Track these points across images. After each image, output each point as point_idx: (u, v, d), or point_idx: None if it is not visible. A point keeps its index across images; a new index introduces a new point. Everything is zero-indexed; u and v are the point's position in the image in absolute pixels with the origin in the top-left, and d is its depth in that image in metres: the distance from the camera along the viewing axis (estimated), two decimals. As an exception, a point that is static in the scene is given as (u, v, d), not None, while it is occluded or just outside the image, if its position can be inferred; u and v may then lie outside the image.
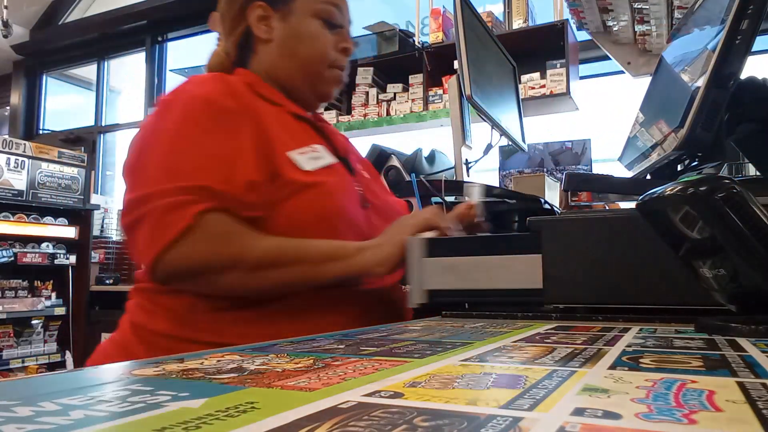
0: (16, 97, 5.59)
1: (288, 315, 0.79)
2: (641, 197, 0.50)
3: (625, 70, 2.79)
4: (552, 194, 1.84)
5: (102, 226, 4.42)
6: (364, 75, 3.61)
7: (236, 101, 0.82)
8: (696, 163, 0.83)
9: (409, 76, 3.47)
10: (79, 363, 3.77)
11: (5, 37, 4.22)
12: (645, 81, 1.24)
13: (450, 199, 1.14)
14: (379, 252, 0.78)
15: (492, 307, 0.71)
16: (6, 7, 4.17)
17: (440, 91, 3.37)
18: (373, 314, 0.82)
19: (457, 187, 1.18)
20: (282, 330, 0.74)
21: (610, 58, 2.84)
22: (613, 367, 0.32)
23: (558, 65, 3.01)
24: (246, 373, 0.31)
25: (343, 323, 0.77)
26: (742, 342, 0.42)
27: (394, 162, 1.41)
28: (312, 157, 0.84)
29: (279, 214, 0.79)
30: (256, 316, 0.78)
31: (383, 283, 0.84)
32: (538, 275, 0.66)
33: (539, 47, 3.12)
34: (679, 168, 0.88)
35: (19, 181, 3.55)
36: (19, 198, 3.54)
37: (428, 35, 3.50)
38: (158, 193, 0.74)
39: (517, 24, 3.26)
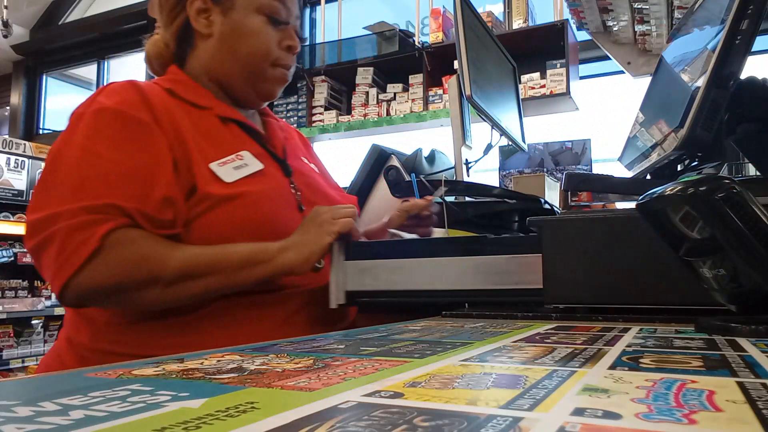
0: (16, 97, 5.59)
1: (212, 323, 0.76)
2: (641, 197, 0.50)
3: (625, 70, 2.79)
4: (552, 194, 1.84)
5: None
6: (364, 75, 3.62)
7: (150, 113, 0.77)
8: (696, 163, 0.83)
9: (409, 76, 3.47)
10: (79, 363, 3.77)
11: (5, 37, 4.22)
12: (645, 81, 1.24)
13: (450, 199, 1.14)
14: (303, 251, 0.75)
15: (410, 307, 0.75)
16: (6, 7, 4.17)
17: (440, 91, 3.37)
18: (300, 318, 0.81)
19: (457, 186, 1.18)
20: (205, 338, 0.74)
21: (610, 58, 2.84)
22: (613, 367, 0.32)
23: (558, 65, 3.01)
24: (246, 373, 0.31)
25: (269, 329, 0.76)
26: (742, 342, 0.42)
27: (394, 162, 1.41)
28: (235, 167, 0.80)
29: (195, 231, 0.76)
30: (178, 326, 0.76)
31: (309, 285, 0.82)
32: (449, 277, 0.70)
33: (539, 47, 3.12)
34: (679, 168, 0.88)
35: (19, 181, 3.55)
36: (19, 198, 3.54)
37: (428, 35, 3.50)
38: (63, 213, 0.69)
39: (517, 24, 3.26)
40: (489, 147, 1.32)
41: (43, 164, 3.64)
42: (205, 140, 0.80)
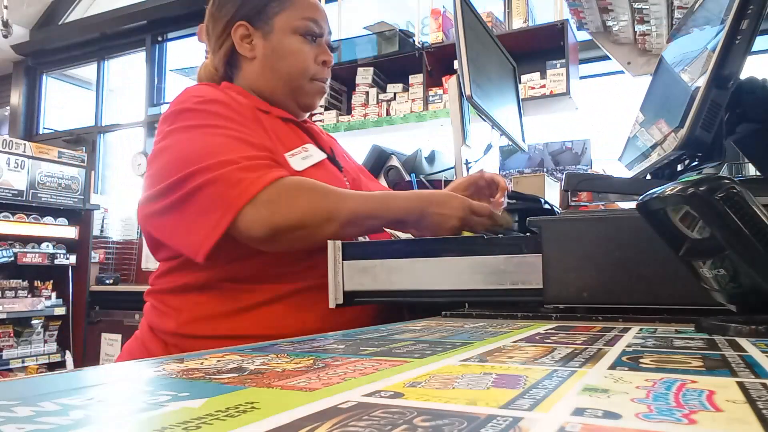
0: (16, 97, 5.59)
1: (286, 309, 0.84)
2: (641, 197, 0.50)
3: (625, 70, 2.79)
4: (552, 194, 1.84)
5: (102, 226, 4.42)
6: (364, 75, 3.62)
7: (240, 104, 0.88)
8: (696, 163, 0.83)
9: (409, 76, 3.47)
10: (79, 363, 3.77)
11: (5, 37, 4.21)
12: (645, 81, 1.24)
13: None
14: (437, 220, 0.83)
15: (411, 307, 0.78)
16: (6, 7, 4.17)
17: (440, 91, 3.37)
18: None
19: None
20: (276, 323, 0.83)
21: (610, 58, 2.84)
22: (613, 367, 0.32)
23: (558, 65, 3.01)
24: (246, 373, 0.31)
25: (329, 316, 0.82)
26: (742, 342, 0.42)
27: (394, 162, 1.41)
28: (303, 157, 0.90)
29: None
30: (256, 313, 0.83)
31: None
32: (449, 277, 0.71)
33: (539, 47, 3.12)
34: (679, 168, 0.88)
35: (19, 181, 3.55)
36: (19, 198, 3.54)
37: (428, 35, 3.50)
38: (221, 163, 0.77)
39: (517, 24, 3.26)
40: (489, 147, 1.32)
41: (42, 164, 3.66)
42: (275, 135, 0.90)
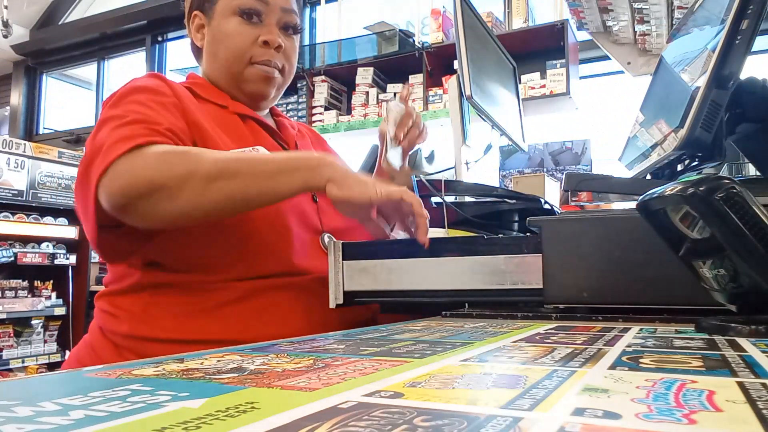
0: (16, 97, 5.59)
1: (247, 311, 0.78)
2: (641, 197, 0.50)
3: (625, 70, 2.79)
4: (552, 194, 1.84)
5: (102, 226, 4.41)
6: (364, 75, 3.61)
7: (176, 96, 0.81)
8: (696, 163, 0.83)
9: (409, 76, 3.47)
10: (79, 363, 3.76)
11: (5, 37, 4.21)
12: (645, 81, 1.24)
13: (450, 199, 1.14)
14: (345, 184, 0.71)
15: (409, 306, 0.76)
16: (6, 7, 4.17)
17: (440, 91, 3.37)
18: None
19: (457, 186, 1.18)
20: (236, 326, 0.77)
21: (610, 58, 2.84)
22: (613, 367, 0.32)
23: (558, 65, 3.00)
24: (246, 373, 0.31)
25: (305, 319, 0.79)
26: (742, 342, 0.42)
27: (394, 162, 1.41)
28: None
29: None
30: (218, 313, 0.78)
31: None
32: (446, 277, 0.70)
33: (539, 47, 3.12)
34: (679, 168, 0.88)
35: (19, 181, 3.55)
36: (19, 198, 3.54)
37: (428, 35, 3.49)
38: (113, 138, 0.70)
39: (517, 24, 3.26)
40: (489, 147, 1.32)
41: (42, 164, 3.65)
42: (224, 132, 0.83)
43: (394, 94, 3.53)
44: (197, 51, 0.96)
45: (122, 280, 0.83)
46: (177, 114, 0.79)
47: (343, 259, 0.77)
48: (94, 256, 4.02)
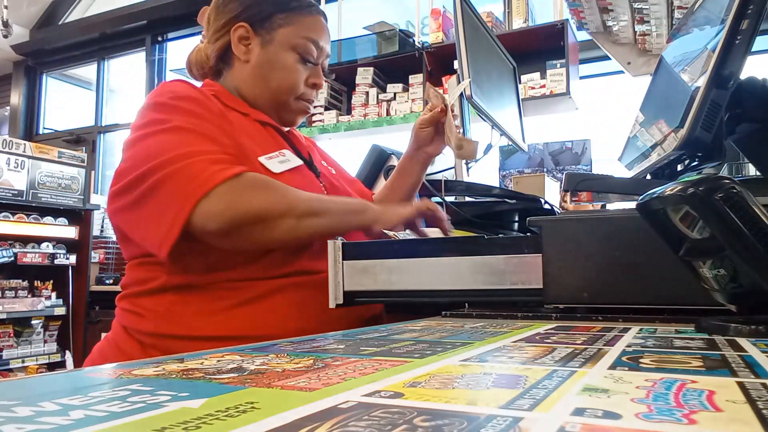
0: (16, 97, 5.59)
1: (267, 309, 0.83)
2: (641, 197, 0.50)
3: (625, 70, 2.79)
4: (552, 194, 1.84)
5: (102, 226, 4.41)
6: (364, 75, 3.61)
7: (210, 104, 0.88)
8: (696, 163, 0.83)
9: (409, 76, 3.47)
10: (79, 363, 3.77)
11: (5, 37, 4.21)
12: (645, 81, 1.24)
13: (450, 199, 1.14)
14: (389, 212, 0.88)
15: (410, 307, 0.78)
16: (6, 7, 4.17)
17: (440, 91, 3.36)
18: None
19: (457, 186, 1.18)
20: (259, 323, 0.82)
21: (610, 58, 2.84)
22: (613, 367, 0.32)
23: (558, 65, 3.00)
24: (246, 373, 0.31)
25: (322, 315, 0.82)
26: (742, 342, 0.42)
27: (394, 162, 1.41)
28: (280, 161, 0.90)
29: None
30: (241, 311, 0.82)
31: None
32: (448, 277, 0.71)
33: (539, 47, 3.12)
34: (679, 168, 0.88)
35: (19, 181, 3.55)
36: (19, 198, 3.54)
37: (428, 35, 3.49)
38: (193, 153, 0.76)
39: (517, 24, 3.26)
40: (489, 147, 1.32)
41: (42, 164, 3.65)
42: (250, 139, 0.89)
43: (395, 94, 3.53)
44: (226, 55, 0.98)
45: (146, 283, 0.86)
46: (226, 130, 0.85)
47: (343, 259, 0.77)
48: (94, 256, 4.03)
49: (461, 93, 1.09)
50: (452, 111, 1.03)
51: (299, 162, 0.93)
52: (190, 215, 0.74)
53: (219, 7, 0.98)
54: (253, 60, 0.95)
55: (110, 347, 0.87)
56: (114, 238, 4.37)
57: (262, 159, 0.87)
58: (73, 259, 3.82)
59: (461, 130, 1.07)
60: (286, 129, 1.03)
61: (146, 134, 0.81)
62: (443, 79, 3.35)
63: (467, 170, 1.30)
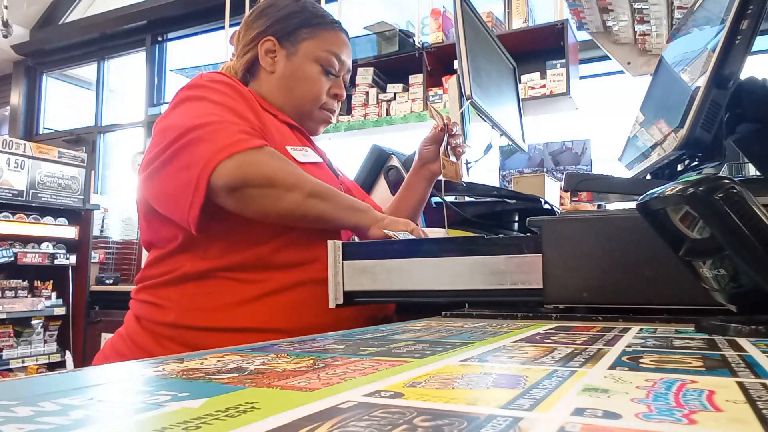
0: (16, 97, 5.59)
1: (289, 301, 0.85)
2: (641, 197, 0.50)
3: (625, 70, 2.79)
4: (552, 194, 1.84)
5: (102, 226, 4.41)
6: (364, 75, 3.61)
7: (245, 93, 0.92)
8: (696, 163, 0.83)
9: (409, 76, 3.47)
10: (79, 363, 3.77)
11: (5, 37, 4.21)
12: (645, 81, 1.24)
13: (450, 199, 1.14)
14: (383, 221, 0.88)
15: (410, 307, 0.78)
16: (6, 7, 4.17)
17: (440, 91, 3.37)
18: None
19: (457, 186, 1.18)
20: (280, 315, 0.84)
21: (610, 58, 2.84)
22: (613, 367, 0.32)
23: (558, 65, 3.00)
24: (246, 373, 0.31)
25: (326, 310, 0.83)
26: (742, 342, 0.42)
27: (394, 162, 1.41)
28: (303, 154, 0.94)
29: None
30: (260, 306, 0.84)
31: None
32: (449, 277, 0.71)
33: (539, 47, 3.12)
34: (679, 168, 0.88)
35: (19, 181, 3.55)
36: (19, 198, 3.54)
37: (428, 35, 3.49)
38: (223, 121, 0.81)
39: (517, 24, 3.26)
40: (489, 147, 1.32)
41: (42, 164, 3.65)
42: (279, 133, 0.93)
43: (395, 94, 3.53)
44: (253, 66, 1.03)
45: (168, 274, 0.87)
46: (255, 116, 0.90)
47: (343, 259, 0.77)
48: (94, 256, 4.03)
49: (465, 108, 1.10)
50: (451, 131, 1.07)
51: (319, 159, 0.98)
52: (211, 175, 0.77)
53: (248, 24, 1.04)
54: (279, 71, 1.00)
55: (123, 341, 0.89)
56: (114, 238, 4.39)
57: (288, 148, 0.91)
58: (73, 259, 3.82)
59: (460, 140, 1.09)
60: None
61: (180, 110, 0.86)
62: (443, 79, 3.35)
63: (467, 170, 1.30)
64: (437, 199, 1.16)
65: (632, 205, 0.63)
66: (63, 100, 5.78)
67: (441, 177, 1.07)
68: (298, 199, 0.81)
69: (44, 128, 5.63)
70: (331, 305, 0.76)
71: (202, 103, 0.86)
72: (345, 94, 1.07)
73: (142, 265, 0.95)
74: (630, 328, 0.52)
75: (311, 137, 1.07)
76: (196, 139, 0.79)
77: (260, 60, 1.01)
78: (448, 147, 1.08)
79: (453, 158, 0.95)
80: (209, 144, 0.78)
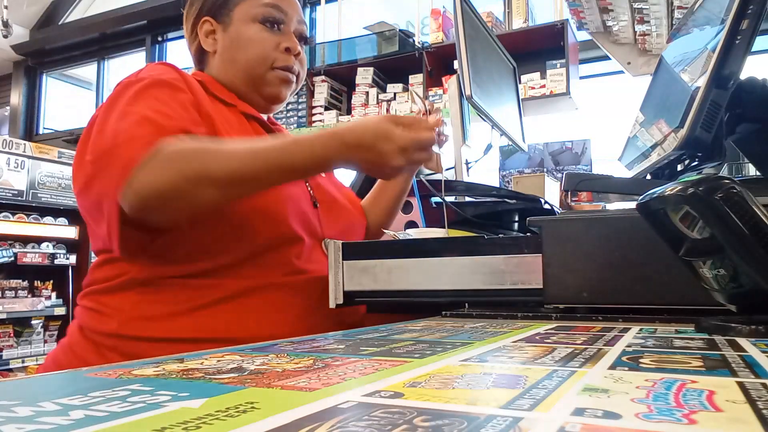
0: (16, 97, 5.58)
1: (240, 310, 0.78)
2: (641, 197, 0.50)
3: (625, 70, 2.79)
4: (552, 194, 1.84)
5: (102, 226, 4.41)
6: (364, 75, 3.61)
7: (191, 92, 0.83)
8: (696, 163, 0.83)
9: (409, 76, 3.47)
10: (79, 363, 3.77)
11: (5, 37, 4.21)
12: (645, 81, 1.24)
13: (450, 199, 1.14)
14: (380, 161, 0.74)
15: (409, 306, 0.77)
16: (6, 7, 4.17)
17: (440, 91, 3.37)
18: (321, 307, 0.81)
19: (457, 186, 1.18)
20: (234, 324, 0.77)
21: (610, 58, 2.84)
22: (613, 367, 0.32)
23: (558, 65, 3.00)
24: (246, 373, 0.31)
25: (290, 319, 0.80)
26: (742, 342, 0.42)
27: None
28: None
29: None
30: (210, 313, 0.78)
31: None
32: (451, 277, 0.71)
33: (539, 47, 3.12)
34: (679, 168, 0.88)
35: (19, 181, 3.55)
36: (19, 198, 3.54)
37: (428, 35, 3.49)
38: (132, 137, 0.71)
39: (517, 24, 3.26)
40: (489, 147, 1.32)
41: (42, 164, 3.65)
42: (233, 131, 0.85)
43: (395, 94, 3.53)
44: (202, 54, 0.97)
45: (112, 279, 0.81)
46: (193, 110, 0.81)
47: (343, 259, 0.77)
48: (94, 256, 4.02)
49: (460, 96, 1.05)
50: (431, 115, 0.93)
51: None
52: (119, 207, 0.70)
53: (187, 14, 0.98)
54: (220, 47, 0.94)
55: (64, 353, 0.82)
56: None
57: None
58: (73, 259, 3.82)
59: (443, 128, 0.99)
60: (271, 113, 1.00)
61: (106, 110, 0.78)
62: (443, 79, 3.35)
63: (467, 170, 1.30)
64: (437, 199, 1.16)
65: (632, 205, 0.62)
66: (63, 100, 5.78)
67: (425, 170, 1.02)
68: (216, 196, 0.71)
69: (44, 128, 5.63)
70: (332, 305, 0.76)
71: (123, 108, 0.76)
72: (297, 47, 0.95)
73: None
74: (630, 328, 0.52)
75: (277, 103, 0.98)
76: (104, 166, 0.72)
77: (202, 44, 0.95)
78: None
79: (435, 148, 0.86)
80: (114, 170, 0.70)
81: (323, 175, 1.03)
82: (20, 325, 3.62)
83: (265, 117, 0.99)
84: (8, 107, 5.64)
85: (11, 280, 3.58)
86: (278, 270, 0.81)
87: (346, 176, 1.38)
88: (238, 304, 0.78)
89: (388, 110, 3.50)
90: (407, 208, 1.18)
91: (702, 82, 0.71)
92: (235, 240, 0.80)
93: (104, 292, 0.81)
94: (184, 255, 0.80)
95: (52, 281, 3.79)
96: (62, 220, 3.81)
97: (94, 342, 0.79)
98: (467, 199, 1.21)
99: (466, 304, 0.73)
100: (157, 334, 0.76)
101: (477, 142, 1.37)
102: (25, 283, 3.64)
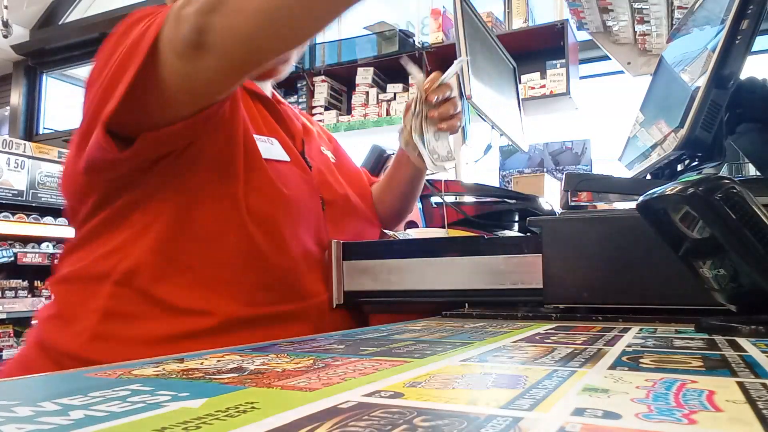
0: (16, 97, 5.58)
1: (212, 330, 0.69)
2: (641, 197, 0.50)
3: (625, 70, 2.79)
4: (552, 194, 1.84)
5: (102, 226, 4.41)
6: (364, 75, 3.61)
7: None
8: (696, 163, 0.83)
9: (409, 76, 3.46)
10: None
11: (5, 37, 4.22)
12: (645, 81, 1.24)
13: (450, 199, 1.14)
14: None
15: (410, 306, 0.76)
16: (6, 7, 4.17)
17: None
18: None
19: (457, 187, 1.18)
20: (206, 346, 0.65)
21: (610, 58, 2.84)
22: (613, 367, 0.32)
23: (558, 65, 3.01)
24: (246, 373, 0.31)
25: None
26: (742, 342, 0.42)
27: (394, 162, 1.41)
28: (266, 148, 0.79)
29: (252, 182, 0.73)
30: (193, 339, 0.68)
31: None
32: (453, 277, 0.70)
33: (539, 47, 3.12)
34: (679, 168, 0.88)
35: (19, 181, 3.55)
36: (19, 198, 3.54)
37: (428, 35, 3.49)
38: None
39: (517, 24, 3.26)
40: (489, 147, 1.32)
41: (42, 164, 3.65)
42: (246, 110, 0.80)
43: (395, 94, 3.53)
44: None
45: (85, 270, 0.71)
46: None
47: (343, 259, 0.77)
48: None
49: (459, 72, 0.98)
50: (430, 100, 0.84)
51: (286, 158, 0.82)
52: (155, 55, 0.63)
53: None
54: None
55: (18, 370, 0.71)
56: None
57: (255, 136, 0.78)
58: (73, 259, 3.81)
59: (454, 109, 0.90)
60: (271, 92, 0.92)
61: (94, 78, 0.73)
62: (443, 79, 3.34)
63: (467, 170, 1.30)
64: (437, 199, 1.16)
65: (632, 205, 0.62)
66: (63, 100, 5.77)
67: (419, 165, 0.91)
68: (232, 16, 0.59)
69: (44, 128, 5.63)
70: (334, 305, 0.76)
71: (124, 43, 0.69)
72: None
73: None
74: (630, 328, 0.52)
75: (269, 78, 0.90)
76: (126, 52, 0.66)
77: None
78: (423, 119, 0.83)
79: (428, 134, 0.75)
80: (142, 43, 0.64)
81: (333, 159, 0.97)
82: (20, 325, 3.62)
83: (268, 92, 0.91)
84: (8, 107, 5.64)
85: (11, 280, 3.58)
86: (285, 298, 0.74)
87: (357, 157, 1.30)
88: (217, 339, 0.67)
89: (388, 110, 3.50)
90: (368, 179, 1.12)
91: (702, 82, 0.71)
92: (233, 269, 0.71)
93: (76, 280, 0.72)
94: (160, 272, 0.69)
95: (52, 281, 3.79)
96: (62, 220, 3.81)
97: (54, 360, 0.69)
98: (467, 199, 1.21)
99: (466, 304, 0.73)
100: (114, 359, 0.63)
101: (477, 142, 1.36)
102: (25, 283, 3.64)
